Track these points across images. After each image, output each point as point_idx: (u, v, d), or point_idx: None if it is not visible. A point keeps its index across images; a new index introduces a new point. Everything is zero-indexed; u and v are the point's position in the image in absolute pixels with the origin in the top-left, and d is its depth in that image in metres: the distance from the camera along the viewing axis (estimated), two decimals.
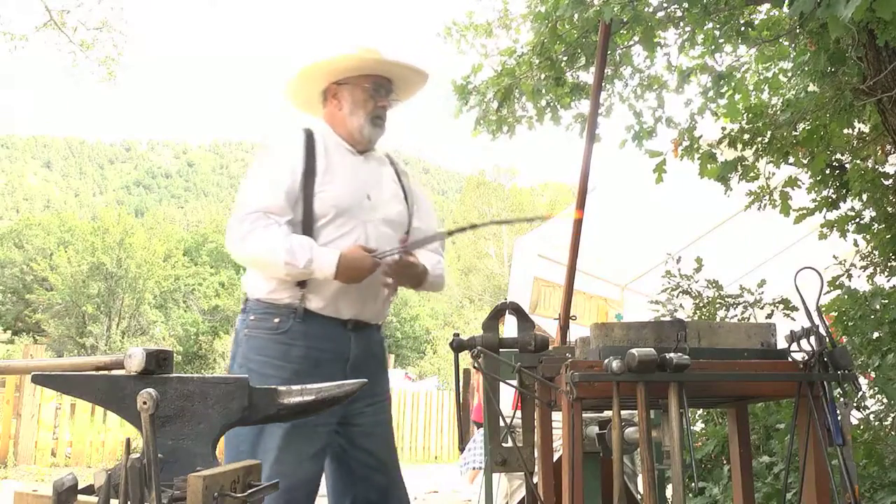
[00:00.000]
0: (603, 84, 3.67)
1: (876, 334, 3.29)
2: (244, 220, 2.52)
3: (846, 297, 3.41)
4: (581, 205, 3.32)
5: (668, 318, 3.79)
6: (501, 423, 1.97)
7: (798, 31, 3.52)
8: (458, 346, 2.05)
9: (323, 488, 2.58)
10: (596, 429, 2.16)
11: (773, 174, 4.00)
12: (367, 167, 2.72)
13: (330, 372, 2.46)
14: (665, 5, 3.51)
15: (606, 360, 1.65)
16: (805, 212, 4.02)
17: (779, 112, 3.78)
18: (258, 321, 2.56)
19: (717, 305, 4.04)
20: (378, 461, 2.63)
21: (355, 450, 2.62)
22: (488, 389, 2.01)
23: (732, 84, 4.01)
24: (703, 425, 3.90)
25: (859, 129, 3.93)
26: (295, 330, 2.53)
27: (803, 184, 4.02)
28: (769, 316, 3.91)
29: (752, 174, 3.94)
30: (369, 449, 2.62)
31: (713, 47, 3.89)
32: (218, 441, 1.83)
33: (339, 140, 2.71)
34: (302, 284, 2.53)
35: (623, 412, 1.73)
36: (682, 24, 3.76)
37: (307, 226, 2.56)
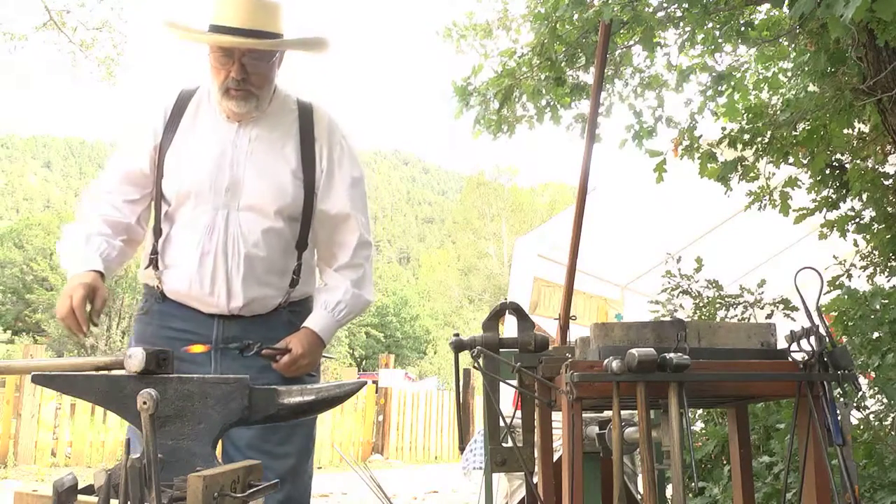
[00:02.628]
0: (603, 84, 3.67)
1: (876, 334, 3.28)
2: (84, 198, 2.44)
3: (846, 297, 3.41)
4: (581, 205, 3.32)
5: (668, 318, 3.78)
6: (501, 423, 1.97)
7: (798, 31, 3.52)
8: (458, 346, 2.05)
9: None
10: (596, 429, 2.16)
11: (773, 174, 4.00)
12: (243, 135, 2.38)
13: (189, 354, 2.28)
14: (665, 5, 3.52)
15: (606, 360, 1.65)
16: (805, 212, 4.02)
17: (779, 112, 3.78)
18: (140, 303, 2.49)
19: (717, 305, 4.04)
20: (242, 457, 2.24)
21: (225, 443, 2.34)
22: (488, 389, 2.01)
23: (732, 84, 4.02)
24: (703, 425, 3.90)
25: (859, 129, 3.93)
26: (154, 310, 2.41)
27: (803, 184, 4.03)
28: (769, 316, 3.92)
29: (752, 174, 3.94)
30: (234, 441, 2.33)
31: (713, 47, 3.89)
32: (218, 441, 1.83)
33: (215, 105, 2.40)
34: (156, 266, 2.40)
35: (623, 412, 1.73)
36: (682, 24, 3.76)
37: (157, 207, 2.41)
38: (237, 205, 2.33)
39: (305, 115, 2.45)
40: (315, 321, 2.38)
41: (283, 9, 2.38)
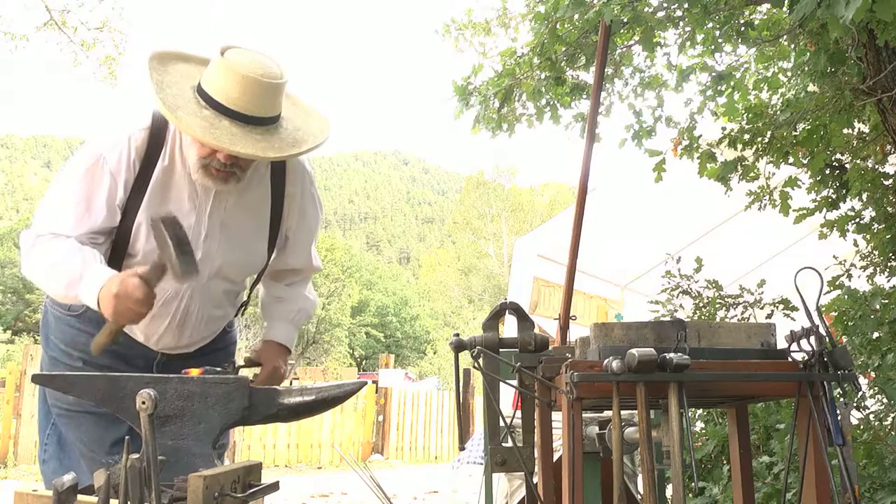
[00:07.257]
0: (603, 84, 3.67)
1: (876, 334, 3.28)
2: (29, 240, 2.18)
3: (846, 297, 3.41)
4: (581, 205, 3.32)
5: (668, 318, 3.78)
6: (501, 423, 1.97)
7: (798, 31, 3.52)
8: (458, 346, 2.05)
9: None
10: (596, 429, 2.16)
11: (773, 174, 4.00)
12: (218, 205, 2.21)
13: (131, 365, 2.23)
14: (665, 5, 3.51)
15: (606, 360, 1.65)
16: (805, 212, 4.02)
17: (779, 112, 3.78)
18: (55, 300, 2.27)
19: (717, 305, 4.04)
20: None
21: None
22: (488, 389, 2.01)
23: (732, 84, 4.02)
24: (703, 425, 3.90)
25: (859, 129, 3.93)
26: (89, 316, 2.19)
27: (803, 184, 4.02)
28: (769, 316, 3.92)
29: (752, 174, 3.94)
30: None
31: (713, 47, 3.89)
32: (218, 441, 1.83)
33: (190, 171, 2.15)
34: None
35: (623, 412, 1.73)
36: (682, 24, 3.76)
37: (117, 247, 2.20)
38: (205, 275, 2.23)
39: (278, 164, 2.27)
40: (282, 335, 2.42)
41: (287, 84, 2.14)
